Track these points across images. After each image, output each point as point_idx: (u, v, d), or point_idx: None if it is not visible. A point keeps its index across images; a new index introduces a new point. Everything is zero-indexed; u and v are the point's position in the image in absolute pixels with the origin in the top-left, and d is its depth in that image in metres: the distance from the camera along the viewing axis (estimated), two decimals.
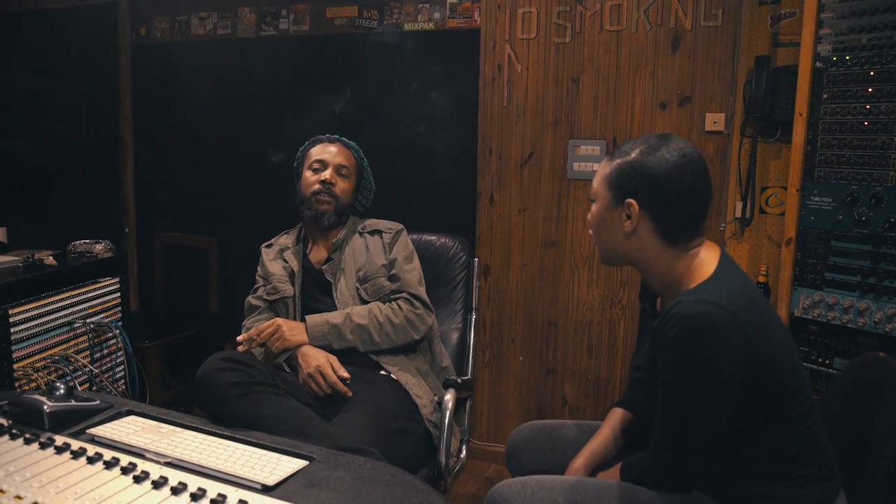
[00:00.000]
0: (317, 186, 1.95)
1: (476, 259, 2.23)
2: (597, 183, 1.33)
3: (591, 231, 1.38)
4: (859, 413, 1.32)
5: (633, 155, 1.26)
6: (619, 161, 1.28)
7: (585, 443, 1.51)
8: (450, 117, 2.78)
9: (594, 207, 1.34)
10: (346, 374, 1.71)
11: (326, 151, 2.00)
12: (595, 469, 1.46)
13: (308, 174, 1.99)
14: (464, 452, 1.90)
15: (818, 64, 1.97)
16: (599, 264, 2.59)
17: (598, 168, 1.34)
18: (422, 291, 1.93)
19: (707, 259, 1.27)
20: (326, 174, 1.96)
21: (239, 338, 1.79)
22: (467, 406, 1.96)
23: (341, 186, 1.98)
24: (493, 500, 1.32)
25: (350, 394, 1.69)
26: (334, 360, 1.74)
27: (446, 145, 2.79)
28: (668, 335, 1.17)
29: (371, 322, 1.81)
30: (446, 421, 1.71)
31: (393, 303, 1.88)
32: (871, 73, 1.88)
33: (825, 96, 1.96)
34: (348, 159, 2.01)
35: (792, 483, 1.22)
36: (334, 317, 1.82)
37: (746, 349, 1.16)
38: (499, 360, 2.79)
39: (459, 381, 1.79)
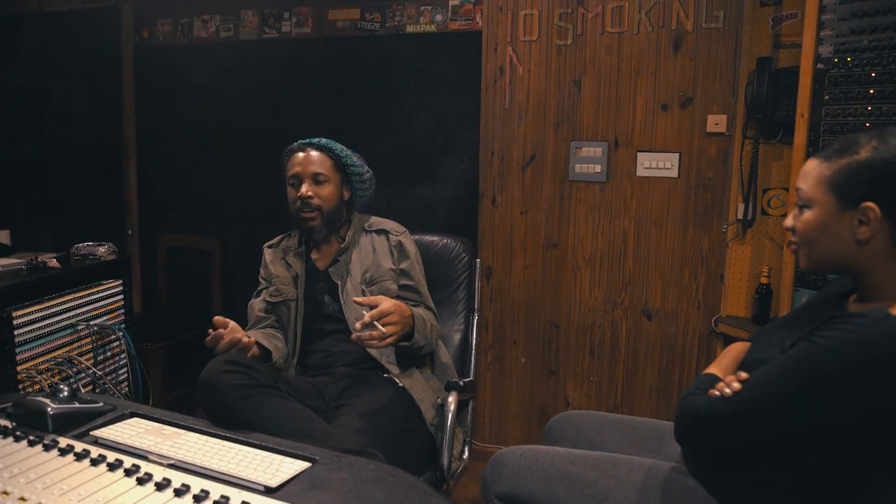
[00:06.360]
0: (297, 204, 1.91)
1: (478, 260, 2.23)
2: (810, 187, 1.16)
3: (796, 238, 1.21)
4: None
5: (865, 154, 1.10)
6: (846, 161, 1.11)
7: (616, 435, 1.54)
8: (452, 119, 2.78)
9: (810, 214, 1.16)
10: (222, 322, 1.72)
11: (298, 163, 1.92)
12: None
13: (288, 190, 1.95)
14: (466, 454, 1.90)
15: (819, 65, 1.97)
16: (601, 266, 2.59)
17: (807, 169, 1.18)
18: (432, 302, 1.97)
19: None
20: (303, 189, 1.90)
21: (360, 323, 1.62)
22: (469, 407, 1.96)
23: (322, 194, 1.91)
24: (494, 462, 1.41)
25: (247, 339, 1.72)
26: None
27: (448, 147, 2.80)
28: (862, 327, 1.03)
29: (427, 322, 1.82)
30: (449, 423, 1.71)
31: (427, 311, 1.89)
32: (873, 75, 1.88)
33: (827, 98, 1.96)
34: (322, 163, 1.92)
35: None
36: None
37: None
38: (501, 361, 2.79)
39: (461, 383, 1.79)
